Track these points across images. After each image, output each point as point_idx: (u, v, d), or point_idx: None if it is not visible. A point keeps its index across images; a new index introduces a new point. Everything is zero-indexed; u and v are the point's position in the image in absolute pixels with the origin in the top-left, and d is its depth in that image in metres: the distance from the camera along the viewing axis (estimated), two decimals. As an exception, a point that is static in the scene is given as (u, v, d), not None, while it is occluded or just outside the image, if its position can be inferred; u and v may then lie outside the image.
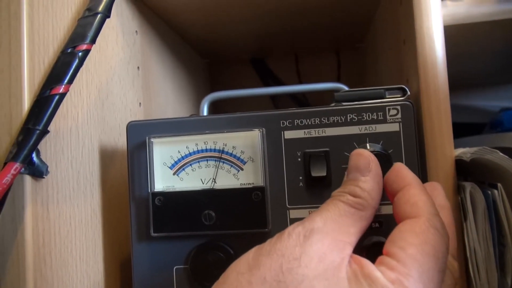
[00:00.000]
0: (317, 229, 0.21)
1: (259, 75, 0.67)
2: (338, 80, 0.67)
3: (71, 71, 0.26)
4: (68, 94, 0.30)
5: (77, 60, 0.26)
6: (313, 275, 0.19)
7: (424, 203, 0.22)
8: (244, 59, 0.68)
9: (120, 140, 0.37)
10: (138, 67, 0.41)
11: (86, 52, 0.27)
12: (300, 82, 0.67)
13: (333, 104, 0.30)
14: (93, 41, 0.27)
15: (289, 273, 0.19)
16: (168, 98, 0.50)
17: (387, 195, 0.25)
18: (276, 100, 0.67)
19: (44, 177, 0.27)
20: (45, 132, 0.25)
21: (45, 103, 0.25)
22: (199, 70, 0.65)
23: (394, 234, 0.22)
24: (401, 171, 0.24)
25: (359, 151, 0.25)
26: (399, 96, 0.31)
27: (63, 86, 0.26)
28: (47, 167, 0.27)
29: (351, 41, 0.60)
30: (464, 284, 0.30)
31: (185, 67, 0.57)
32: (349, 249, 0.21)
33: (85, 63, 0.32)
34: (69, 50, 0.26)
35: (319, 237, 0.21)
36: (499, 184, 0.28)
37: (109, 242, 0.34)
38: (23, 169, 0.25)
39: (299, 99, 0.64)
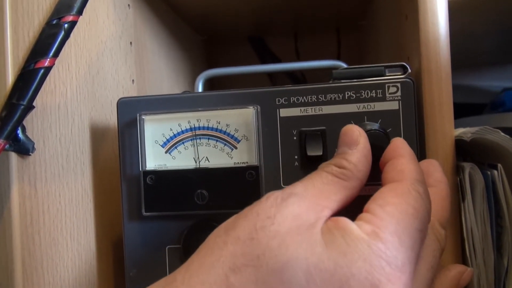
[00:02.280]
0: (296, 194, 0.21)
1: (258, 54, 0.66)
2: (338, 59, 0.65)
3: (57, 43, 0.25)
4: (55, 69, 0.29)
5: (62, 32, 0.25)
6: (285, 231, 0.19)
7: (410, 170, 0.22)
8: (243, 37, 0.66)
9: (112, 118, 0.36)
10: (130, 43, 0.40)
11: (73, 23, 0.26)
12: (299, 61, 0.66)
13: (331, 82, 0.29)
14: (79, 12, 0.26)
15: (262, 230, 0.19)
16: (162, 75, 0.49)
17: (381, 169, 0.25)
18: (274, 79, 0.66)
19: (30, 154, 0.26)
20: (30, 107, 0.24)
21: (29, 77, 0.24)
22: (195, 48, 0.63)
23: (375, 194, 0.21)
24: (396, 144, 0.25)
25: (348, 126, 0.25)
26: (399, 74, 0.29)
27: (48, 59, 0.24)
28: (34, 144, 0.26)
29: (352, 18, 0.58)
30: (459, 261, 0.29)
31: (181, 44, 0.55)
32: (327, 212, 0.21)
33: (73, 36, 0.31)
34: (54, 22, 0.25)
35: (297, 200, 0.20)
36: (499, 165, 0.28)
37: (102, 221, 0.34)
38: (7, 145, 0.24)
39: (298, 78, 0.63)
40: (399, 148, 0.24)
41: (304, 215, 0.20)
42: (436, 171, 0.25)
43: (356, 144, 0.23)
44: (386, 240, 0.19)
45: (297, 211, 0.20)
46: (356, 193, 0.23)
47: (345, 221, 0.20)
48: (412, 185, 0.21)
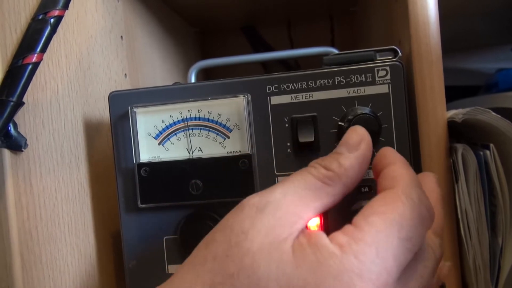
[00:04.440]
0: (273, 202, 0.20)
1: (251, 44, 0.66)
2: (333, 46, 0.65)
3: (43, 39, 0.25)
4: (45, 65, 0.29)
5: (49, 27, 0.25)
6: (257, 248, 0.19)
7: (402, 175, 0.21)
8: (236, 28, 0.65)
9: (105, 112, 0.36)
10: (121, 37, 0.40)
11: (59, 18, 0.26)
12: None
13: (322, 68, 0.29)
14: (65, 6, 0.26)
15: (236, 247, 0.19)
16: (155, 68, 0.48)
17: (376, 179, 0.24)
18: (268, 69, 0.65)
19: (23, 151, 0.26)
20: (19, 103, 0.25)
21: (18, 73, 0.24)
22: (189, 40, 0.63)
23: (366, 205, 0.21)
24: (385, 152, 0.24)
25: (355, 127, 0.24)
26: (390, 58, 0.29)
27: (36, 55, 0.24)
28: (26, 140, 0.26)
29: (344, 5, 0.58)
30: (456, 248, 0.30)
31: (174, 37, 0.55)
32: (301, 224, 0.20)
33: (62, 32, 0.31)
34: (40, 17, 0.25)
35: (272, 210, 0.20)
36: (491, 145, 0.28)
37: (100, 215, 0.34)
38: None
39: (292, 67, 0.63)
40: (389, 156, 0.23)
41: (277, 229, 0.19)
42: (430, 182, 0.25)
43: (355, 149, 0.22)
44: (359, 252, 0.18)
45: (271, 223, 0.19)
46: (339, 199, 0.22)
47: (318, 236, 0.19)
48: (403, 191, 0.20)
